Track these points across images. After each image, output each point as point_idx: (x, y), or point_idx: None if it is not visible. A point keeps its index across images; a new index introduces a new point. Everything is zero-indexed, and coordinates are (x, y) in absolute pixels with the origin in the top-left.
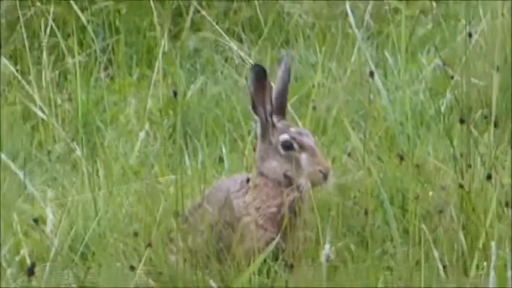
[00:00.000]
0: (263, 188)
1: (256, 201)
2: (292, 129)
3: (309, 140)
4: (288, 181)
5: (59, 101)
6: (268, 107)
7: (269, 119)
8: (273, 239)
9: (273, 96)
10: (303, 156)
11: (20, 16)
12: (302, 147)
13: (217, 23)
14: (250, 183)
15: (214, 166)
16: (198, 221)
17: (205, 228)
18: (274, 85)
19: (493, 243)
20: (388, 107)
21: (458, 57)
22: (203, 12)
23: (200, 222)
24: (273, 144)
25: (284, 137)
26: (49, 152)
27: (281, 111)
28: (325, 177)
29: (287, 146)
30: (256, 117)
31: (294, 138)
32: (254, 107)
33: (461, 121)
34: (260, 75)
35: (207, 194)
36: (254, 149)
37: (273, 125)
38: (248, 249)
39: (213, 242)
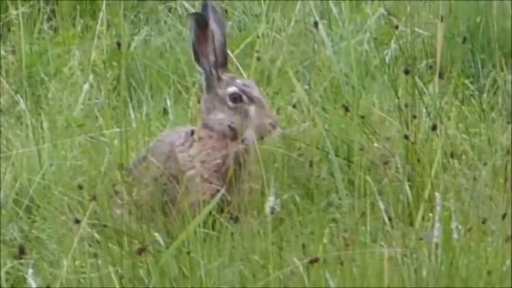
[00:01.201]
0: (208, 140)
1: (201, 154)
2: (239, 81)
3: (257, 92)
4: (234, 133)
5: (2, 53)
6: (212, 58)
7: (213, 70)
8: (218, 191)
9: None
10: (252, 108)
11: None
12: (251, 100)
13: None
14: (195, 136)
15: (159, 118)
16: (142, 173)
17: (150, 181)
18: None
19: (437, 194)
20: (333, 57)
21: (402, 6)
22: None
23: (144, 175)
24: (219, 96)
25: (233, 89)
26: None
27: (224, 63)
28: (274, 128)
29: (235, 98)
30: (199, 68)
31: (243, 91)
32: (197, 58)
33: (406, 72)
34: (201, 23)
35: (151, 147)
36: (199, 101)
37: (218, 77)
38: (193, 202)
39: (157, 195)
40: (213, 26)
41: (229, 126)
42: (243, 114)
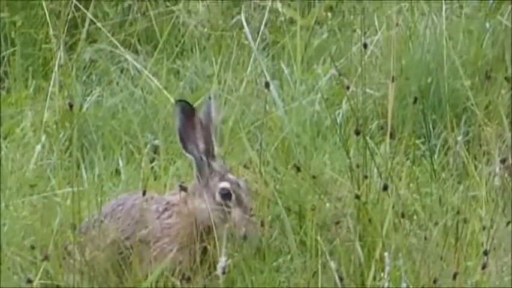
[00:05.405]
0: (186, 219)
1: (178, 226)
2: (231, 177)
3: (245, 194)
4: (210, 227)
5: None
6: (202, 145)
7: (204, 158)
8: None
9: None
10: (237, 211)
11: None
12: (239, 202)
13: (112, 35)
14: (175, 208)
15: (111, 178)
16: (98, 235)
17: (108, 243)
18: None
19: (386, 254)
20: (284, 117)
21: (354, 67)
22: (99, 24)
23: (101, 237)
24: (209, 186)
25: (225, 185)
26: None
27: (212, 150)
28: (245, 238)
29: (225, 194)
30: (189, 156)
31: (234, 190)
32: (185, 146)
33: (357, 132)
34: (187, 111)
35: (110, 211)
36: (150, 162)
37: (209, 165)
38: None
39: (115, 258)
40: (200, 114)
41: (209, 219)
42: (226, 212)
